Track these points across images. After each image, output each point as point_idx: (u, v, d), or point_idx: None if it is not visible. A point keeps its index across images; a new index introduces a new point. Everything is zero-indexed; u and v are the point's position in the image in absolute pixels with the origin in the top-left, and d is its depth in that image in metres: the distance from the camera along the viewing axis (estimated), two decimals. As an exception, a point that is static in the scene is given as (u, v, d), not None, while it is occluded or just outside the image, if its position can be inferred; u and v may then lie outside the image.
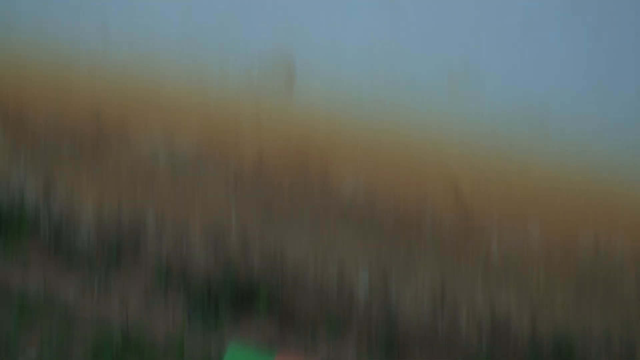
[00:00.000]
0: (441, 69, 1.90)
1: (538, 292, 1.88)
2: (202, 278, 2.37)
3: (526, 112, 1.83)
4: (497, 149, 1.88)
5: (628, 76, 1.72)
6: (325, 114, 2.10)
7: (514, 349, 1.92)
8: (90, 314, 2.16)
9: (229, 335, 2.07)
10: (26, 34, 2.63)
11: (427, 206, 1.98)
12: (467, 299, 1.96)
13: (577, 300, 1.84)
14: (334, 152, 2.12)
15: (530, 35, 1.80)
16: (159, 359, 1.96)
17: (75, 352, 1.97)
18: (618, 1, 1.72)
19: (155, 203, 2.41)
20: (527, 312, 1.90)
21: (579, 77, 1.77)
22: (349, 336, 2.10)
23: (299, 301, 2.21)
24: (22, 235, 2.56)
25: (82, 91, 2.53)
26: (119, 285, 2.35)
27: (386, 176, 2.05)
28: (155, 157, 2.40)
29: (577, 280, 1.83)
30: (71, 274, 2.40)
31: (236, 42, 2.22)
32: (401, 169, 2.02)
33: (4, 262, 2.38)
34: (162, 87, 2.38)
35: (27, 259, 2.43)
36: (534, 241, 1.86)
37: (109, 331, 2.03)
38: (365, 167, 2.08)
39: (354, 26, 2.01)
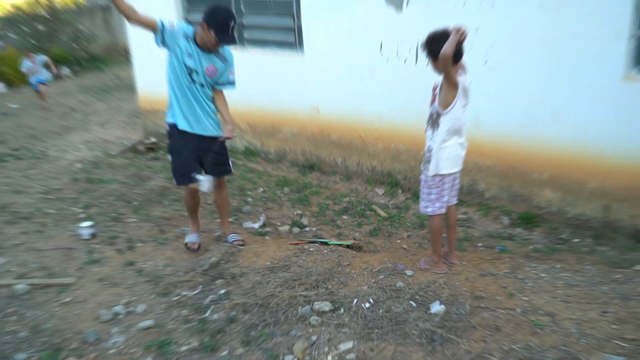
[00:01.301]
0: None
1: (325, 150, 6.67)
2: (300, 163, 7.71)
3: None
4: (361, 123, 6.61)
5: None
6: (328, 118, 7.11)
7: (324, 165, 6.78)
8: (273, 173, 7.53)
9: (312, 176, 7.23)
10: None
11: (354, 141, 6.91)
12: (327, 158, 6.90)
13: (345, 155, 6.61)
14: (335, 127, 7.09)
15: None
16: (293, 183, 7.14)
17: (270, 182, 7.18)
18: None
19: (288, 145, 7.66)
20: (312, 153, 6.73)
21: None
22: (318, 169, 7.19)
23: (322, 164, 7.35)
24: (256, 156, 8.08)
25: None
26: (280, 168, 7.70)
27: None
28: (297, 133, 7.62)
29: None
30: (279, 167, 7.74)
31: (298, 100, 7.27)
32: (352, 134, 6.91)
33: (253, 163, 7.85)
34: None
35: (257, 162, 7.90)
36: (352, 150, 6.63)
37: (279, 178, 7.31)
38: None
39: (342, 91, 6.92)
